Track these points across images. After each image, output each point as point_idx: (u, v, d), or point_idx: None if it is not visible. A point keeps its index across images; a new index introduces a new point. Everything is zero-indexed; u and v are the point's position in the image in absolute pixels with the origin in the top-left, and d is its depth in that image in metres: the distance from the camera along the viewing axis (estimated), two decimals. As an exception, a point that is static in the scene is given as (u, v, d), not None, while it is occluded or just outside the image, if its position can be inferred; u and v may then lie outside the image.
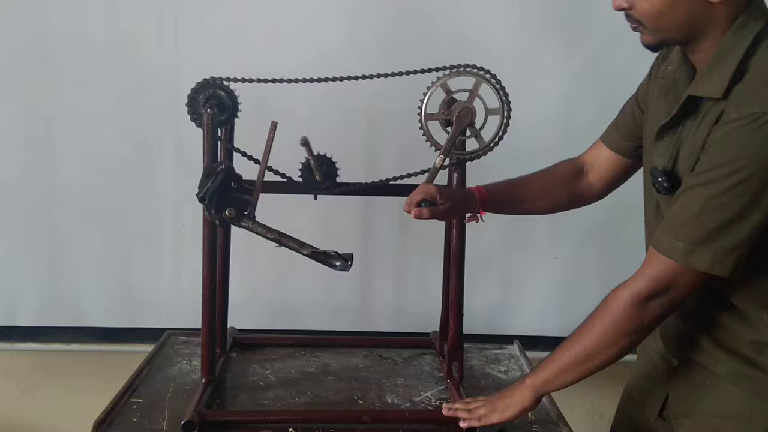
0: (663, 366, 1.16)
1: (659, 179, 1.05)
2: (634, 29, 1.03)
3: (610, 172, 1.28)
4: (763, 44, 0.96)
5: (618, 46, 1.60)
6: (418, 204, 1.14)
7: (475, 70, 1.24)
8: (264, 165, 1.17)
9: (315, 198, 1.31)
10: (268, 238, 1.16)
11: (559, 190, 1.29)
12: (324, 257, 1.16)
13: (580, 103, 1.72)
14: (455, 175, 1.29)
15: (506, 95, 1.24)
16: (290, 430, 1.15)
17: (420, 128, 1.24)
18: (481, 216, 1.23)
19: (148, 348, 1.52)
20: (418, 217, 1.14)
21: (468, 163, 1.29)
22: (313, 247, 1.16)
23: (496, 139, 1.25)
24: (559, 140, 1.74)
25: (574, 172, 1.29)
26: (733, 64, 0.96)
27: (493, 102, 1.24)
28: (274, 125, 1.15)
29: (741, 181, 0.93)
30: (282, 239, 1.16)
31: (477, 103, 1.23)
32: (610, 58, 1.68)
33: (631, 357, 1.78)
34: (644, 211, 1.19)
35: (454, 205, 1.18)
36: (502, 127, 1.24)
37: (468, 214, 1.24)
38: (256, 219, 1.16)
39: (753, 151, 0.92)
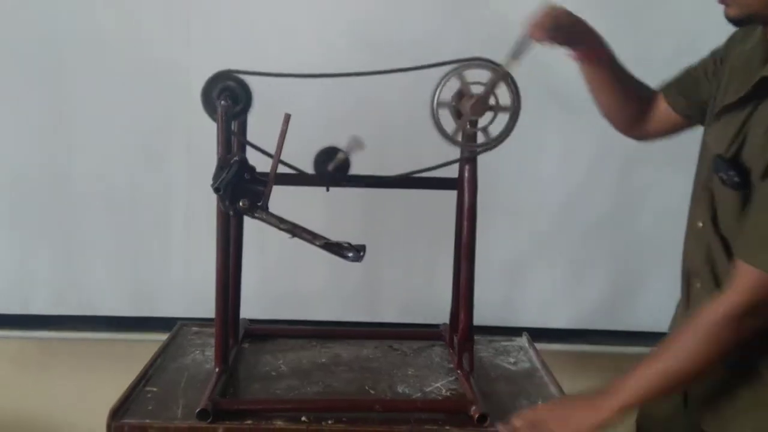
0: None
1: (730, 173, 1.01)
2: (720, 1, 1.00)
3: (660, 122, 1.27)
4: None
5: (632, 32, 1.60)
6: (549, 31, 1.12)
7: (454, 71, 1.23)
8: (277, 157, 1.18)
9: (327, 190, 1.32)
10: (281, 229, 1.17)
11: (637, 106, 1.28)
12: (337, 248, 1.17)
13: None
14: (467, 167, 1.30)
15: (519, 95, 1.24)
16: (303, 418, 1.16)
17: (431, 115, 1.24)
18: (591, 57, 1.20)
19: (159, 337, 1.54)
20: (552, 44, 1.13)
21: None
22: (326, 239, 1.17)
23: (503, 135, 1.25)
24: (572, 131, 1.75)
25: (649, 103, 1.28)
26: None
27: (505, 99, 1.24)
28: (287, 117, 1.16)
29: None
30: (295, 230, 1.17)
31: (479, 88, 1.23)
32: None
33: (641, 350, 1.82)
34: (693, 186, 1.17)
35: (573, 32, 1.15)
36: (509, 128, 1.25)
37: (571, 51, 1.21)
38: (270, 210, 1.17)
39: None
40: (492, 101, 1.23)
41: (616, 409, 1.03)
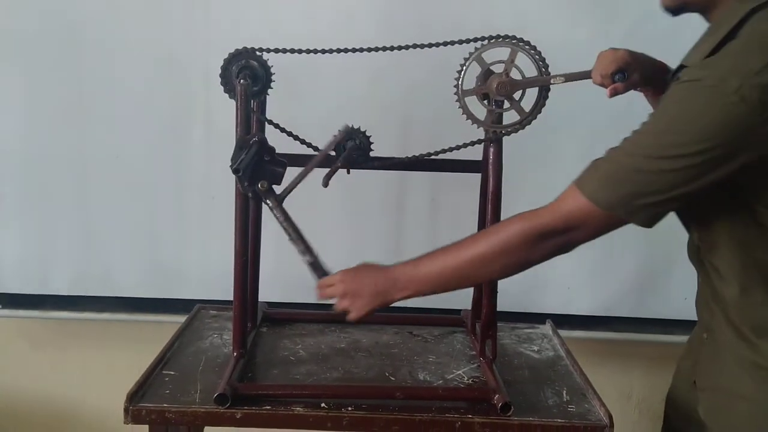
0: (698, 337, 1.14)
1: None
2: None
3: None
4: (752, 18, 0.92)
5: (657, 14, 1.55)
6: (612, 77, 1.10)
7: (508, 40, 1.20)
8: (321, 157, 1.17)
9: (348, 172, 1.28)
10: (282, 226, 1.15)
11: None
12: (319, 272, 1.15)
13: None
14: (491, 149, 1.26)
15: (545, 65, 1.20)
16: (323, 404, 1.14)
17: (458, 104, 1.21)
18: (652, 93, 1.17)
19: (177, 318, 1.53)
20: (614, 94, 1.11)
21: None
22: (316, 257, 1.15)
23: (537, 109, 1.21)
24: (595, 109, 1.70)
25: None
26: (719, 35, 0.93)
27: (532, 72, 1.20)
28: (345, 128, 1.14)
29: (659, 134, 0.92)
30: (293, 235, 1.15)
31: (516, 75, 1.20)
32: (648, 26, 1.63)
33: (666, 338, 1.79)
34: None
35: (645, 75, 1.13)
36: (542, 98, 1.20)
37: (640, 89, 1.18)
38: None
39: (674, 110, 0.92)
40: (516, 95, 1.19)
41: (405, 295, 1.11)
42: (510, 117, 1.23)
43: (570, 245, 1.01)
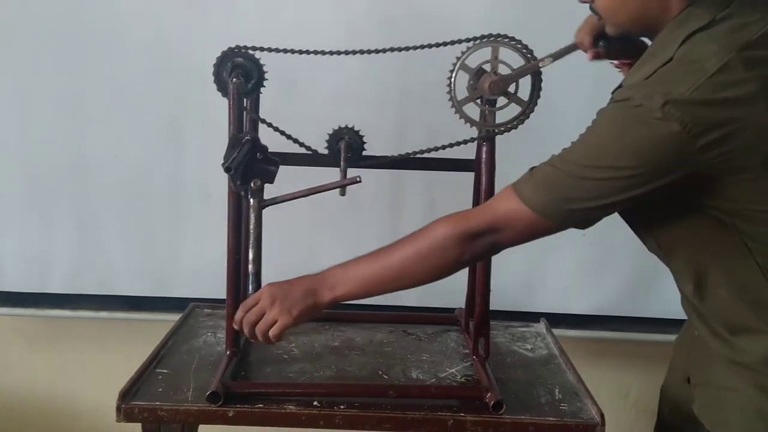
0: (690, 334, 1.14)
1: None
2: (599, 21, 1.04)
3: None
4: (689, 41, 0.92)
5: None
6: (595, 42, 1.12)
7: (486, 39, 1.19)
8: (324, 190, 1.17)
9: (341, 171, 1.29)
10: (250, 227, 1.14)
11: None
12: (255, 285, 1.15)
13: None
14: (484, 147, 1.26)
15: (530, 51, 1.19)
16: (315, 402, 1.14)
17: (454, 112, 1.20)
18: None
19: (173, 317, 1.53)
20: (594, 58, 1.14)
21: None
22: (256, 272, 1.15)
23: (535, 95, 1.20)
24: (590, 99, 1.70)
25: None
26: (661, 59, 0.94)
27: (523, 92, 1.20)
28: (354, 179, 1.17)
29: (590, 147, 0.95)
30: (254, 241, 1.14)
31: (505, 70, 1.19)
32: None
33: (664, 337, 1.78)
34: None
35: (622, 46, 1.14)
36: (517, 121, 1.20)
37: (626, 61, 1.19)
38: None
39: (603, 126, 0.94)
40: (511, 89, 1.19)
41: (331, 301, 1.10)
42: (504, 114, 1.22)
43: (498, 246, 1.03)
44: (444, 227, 1.02)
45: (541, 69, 1.18)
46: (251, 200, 1.12)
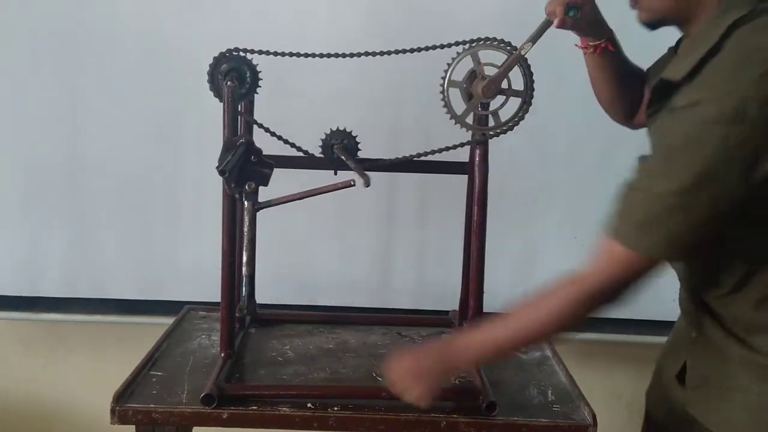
0: (685, 335, 1.14)
1: None
2: (632, 7, 1.02)
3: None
4: (736, 33, 0.91)
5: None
6: (566, 11, 1.12)
7: (509, 48, 1.20)
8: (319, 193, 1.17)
9: (335, 173, 1.29)
10: (244, 230, 1.14)
11: (636, 98, 1.24)
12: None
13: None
14: (477, 150, 1.27)
15: (532, 81, 1.20)
16: (309, 404, 1.15)
17: (441, 95, 1.21)
18: (599, 50, 1.19)
19: (168, 320, 1.53)
20: (561, 26, 1.14)
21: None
22: (251, 272, 1.16)
23: (515, 120, 1.21)
24: (584, 118, 1.71)
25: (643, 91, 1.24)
26: (702, 50, 0.92)
27: (518, 83, 1.21)
28: (348, 182, 1.16)
29: (672, 168, 0.89)
30: (248, 244, 1.14)
31: (492, 70, 1.20)
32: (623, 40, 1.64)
33: (656, 339, 1.79)
34: None
35: (592, 21, 1.15)
36: (522, 111, 1.21)
37: (591, 42, 1.19)
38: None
39: (678, 136, 0.89)
40: (504, 85, 1.20)
41: (463, 368, 1.18)
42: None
43: (621, 301, 0.98)
44: (569, 293, 0.98)
45: (525, 56, 1.18)
46: (245, 203, 1.13)
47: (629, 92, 1.24)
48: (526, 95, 1.21)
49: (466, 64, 1.22)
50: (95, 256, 1.79)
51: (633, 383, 1.98)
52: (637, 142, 1.68)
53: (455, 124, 1.22)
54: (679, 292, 1.17)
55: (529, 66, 1.21)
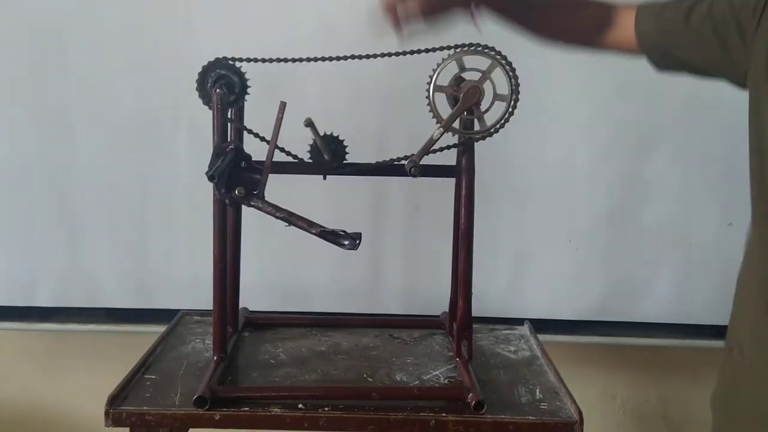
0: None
1: None
2: None
3: (620, 46, 1.19)
4: None
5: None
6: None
7: (492, 53, 1.23)
8: (273, 144, 1.18)
9: (324, 178, 1.32)
10: (277, 217, 1.17)
11: (587, 26, 1.21)
12: (332, 236, 1.17)
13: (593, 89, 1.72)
14: (463, 158, 1.29)
15: (517, 84, 1.22)
16: (300, 405, 1.16)
17: (426, 99, 1.23)
18: (476, 20, 1.14)
19: (162, 329, 1.54)
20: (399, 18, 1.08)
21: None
22: (322, 227, 1.17)
23: (499, 124, 1.23)
24: (568, 125, 1.74)
25: (603, 21, 1.18)
26: None
27: (503, 88, 1.23)
28: (282, 105, 1.16)
29: None
30: (291, 218, 1.17)
31: (487, 86, 1.22)
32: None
33: (649, 341, 1.81)
34: (750, 179, 0.98)
35: (438, 18, 1.09)
36: (507, 115, 1.23)
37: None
38: (266, 199, 1.17)
39: None
40: (489, 89, 1.22)
41: None
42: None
43: None
44: None
45: (506, 56, 1.20)
46: (252, 203, 1.15)
47: (570, 31, 1.22)
48: (511, 99, 1.23)
49: (452, 69, 1.24)
50: (89, 265, 1.80)
51: (626, 383, 2.00)
52: (630, 147, 1.74)
53: (447, 131, 1.23)
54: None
55: (514, 70, 1.23)
